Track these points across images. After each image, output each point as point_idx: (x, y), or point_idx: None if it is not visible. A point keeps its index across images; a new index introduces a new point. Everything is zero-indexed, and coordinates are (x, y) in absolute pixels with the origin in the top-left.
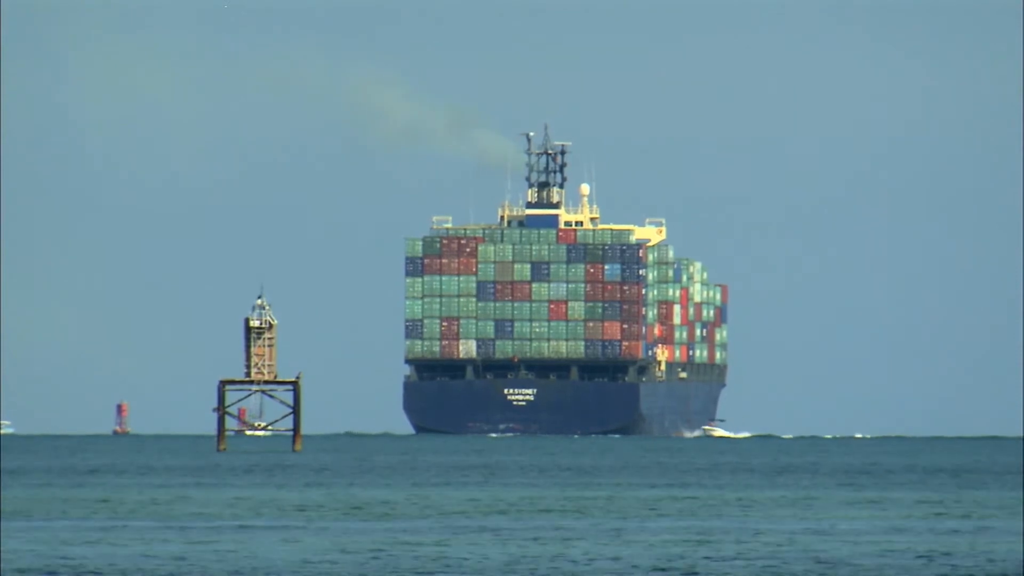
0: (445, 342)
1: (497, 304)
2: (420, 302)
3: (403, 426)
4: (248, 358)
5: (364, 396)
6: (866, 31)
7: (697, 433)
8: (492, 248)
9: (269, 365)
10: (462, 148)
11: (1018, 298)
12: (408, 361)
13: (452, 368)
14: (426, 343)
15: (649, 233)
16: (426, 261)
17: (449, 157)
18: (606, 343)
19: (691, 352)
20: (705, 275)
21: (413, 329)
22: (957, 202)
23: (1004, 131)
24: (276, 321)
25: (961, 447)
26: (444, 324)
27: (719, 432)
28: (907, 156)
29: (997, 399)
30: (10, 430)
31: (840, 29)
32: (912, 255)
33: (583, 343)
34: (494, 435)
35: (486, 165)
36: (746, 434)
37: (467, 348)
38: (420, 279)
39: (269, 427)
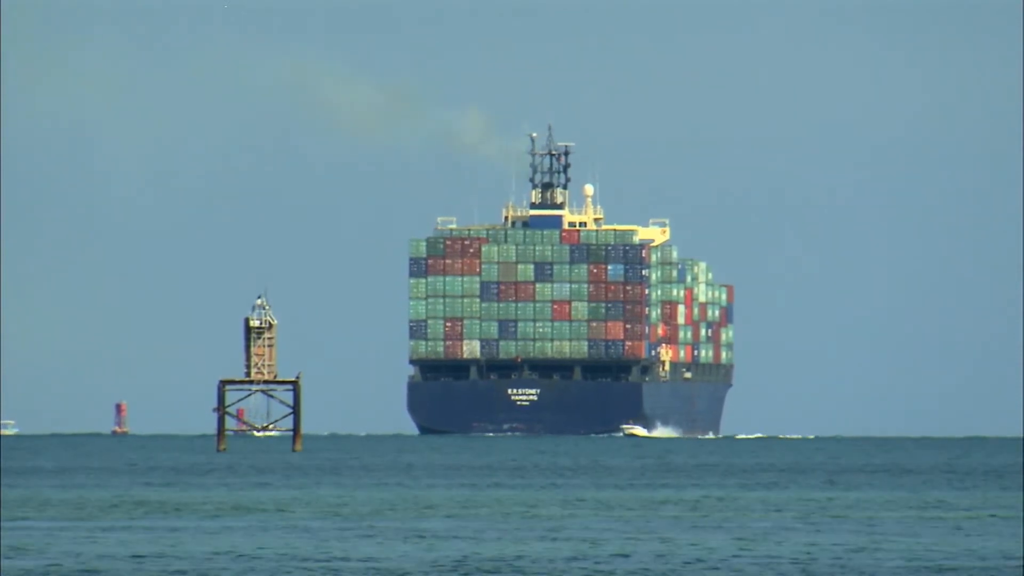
0: (449, 342)
1: (501, 304)
2: (424, 302)
3: (407, 426)
4: (248, 358)
5: (368, 397)
6: (868, 32)
7: (619, 434)
8: (496, 248)
9: (269, 365)
10: (464, 148)
11: (1019, 298)
12: (412, 362)
13: (456, 368)
14: (430, 343)
15: (653, 234)
16: (430, 261)
17: (451, 158)
18: (609, 343)
19: (696, 352)
20: (710, 275)
21: (417, 330)
22: (960, 203)
23: (1004, 131)
24: (276, 321)
25: (943, 447)
26: (448, 324)
27: (640, 432)
28: (910, 156)
29: (997, 399)
30: (15, 430)
31: (842, 30)
32: (916, 255)
33: (586, 343)
34: (515, 433)
35: (470, 161)
36: (661, 433)
37: (471, 348)
38: (424, 280)
39: (272, 426)
